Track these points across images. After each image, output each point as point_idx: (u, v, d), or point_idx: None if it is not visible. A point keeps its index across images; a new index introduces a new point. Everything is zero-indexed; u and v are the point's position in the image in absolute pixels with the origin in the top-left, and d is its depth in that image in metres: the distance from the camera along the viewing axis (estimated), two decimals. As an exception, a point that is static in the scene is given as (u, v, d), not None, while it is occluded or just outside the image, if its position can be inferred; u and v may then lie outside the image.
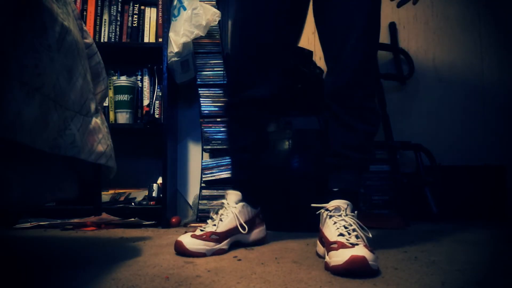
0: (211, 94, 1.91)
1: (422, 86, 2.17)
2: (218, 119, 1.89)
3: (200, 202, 1.86)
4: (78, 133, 0.89)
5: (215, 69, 1.92)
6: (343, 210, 0.99)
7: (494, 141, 2.12)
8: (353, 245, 0.85)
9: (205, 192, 1.87)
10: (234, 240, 1.13)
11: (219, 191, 1.86)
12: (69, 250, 1.17)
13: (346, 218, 0.96)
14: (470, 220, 1.82)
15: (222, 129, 1.89)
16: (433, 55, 2.18)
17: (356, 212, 1.02)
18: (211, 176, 1.86)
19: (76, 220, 1.62)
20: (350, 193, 1.05)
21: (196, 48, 1.91)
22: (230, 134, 1.25)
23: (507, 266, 0.92)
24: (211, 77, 1.91)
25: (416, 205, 1.85)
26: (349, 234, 0.91)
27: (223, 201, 1.17)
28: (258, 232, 1.20)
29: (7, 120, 0.62)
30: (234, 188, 1.18)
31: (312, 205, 1.04)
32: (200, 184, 1.89)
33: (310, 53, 1.87)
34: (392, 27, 2.15)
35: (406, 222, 1.65)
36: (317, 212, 1.05)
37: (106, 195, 1.88)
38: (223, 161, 1.87)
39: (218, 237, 1.06)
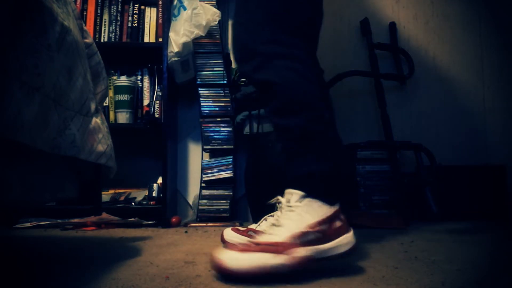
0: (211, 94, 1.91)
1: (422, 86, 2.17)
2: (218, 119, 1.90)
3: (200, 202, 1.86)
4: (78, 133, 0.90)
5: (215, 69, 1.92)
6: (283, 203, 0.82)
7: (494, 141, 2.12)
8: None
9: (205, 192, 1.87)
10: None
11: (219, 191, 1.86)
12: (69, 250, 1.17)
13: (278, 213, 0.82)
14: (470, 220, 1.82)
15: (222, 129, 1.89)
16: (433, 55, 2.18)
17: (314, 198, 0.80)
18: (211, 176, 1.87)
19: (76, 220, 1.62)
20: (304, 178, 0.82)
21: (196, 48, 1.91)
22: None
23: (507, 266, 0.92)
24: (211, 77, 1.91)
25: (416, 205, 1.85)
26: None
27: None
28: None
29: (7, 120, 0.62)
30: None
31: (269, 202, 0.88)
32: (200, 184, 1.89)
33: (310, 53, 1.87)
34: (392, 27, 2.14)
35: (406, 222, 1.65)
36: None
37: (106, 195, 1.88)
38: (223, 161, 1.87)
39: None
